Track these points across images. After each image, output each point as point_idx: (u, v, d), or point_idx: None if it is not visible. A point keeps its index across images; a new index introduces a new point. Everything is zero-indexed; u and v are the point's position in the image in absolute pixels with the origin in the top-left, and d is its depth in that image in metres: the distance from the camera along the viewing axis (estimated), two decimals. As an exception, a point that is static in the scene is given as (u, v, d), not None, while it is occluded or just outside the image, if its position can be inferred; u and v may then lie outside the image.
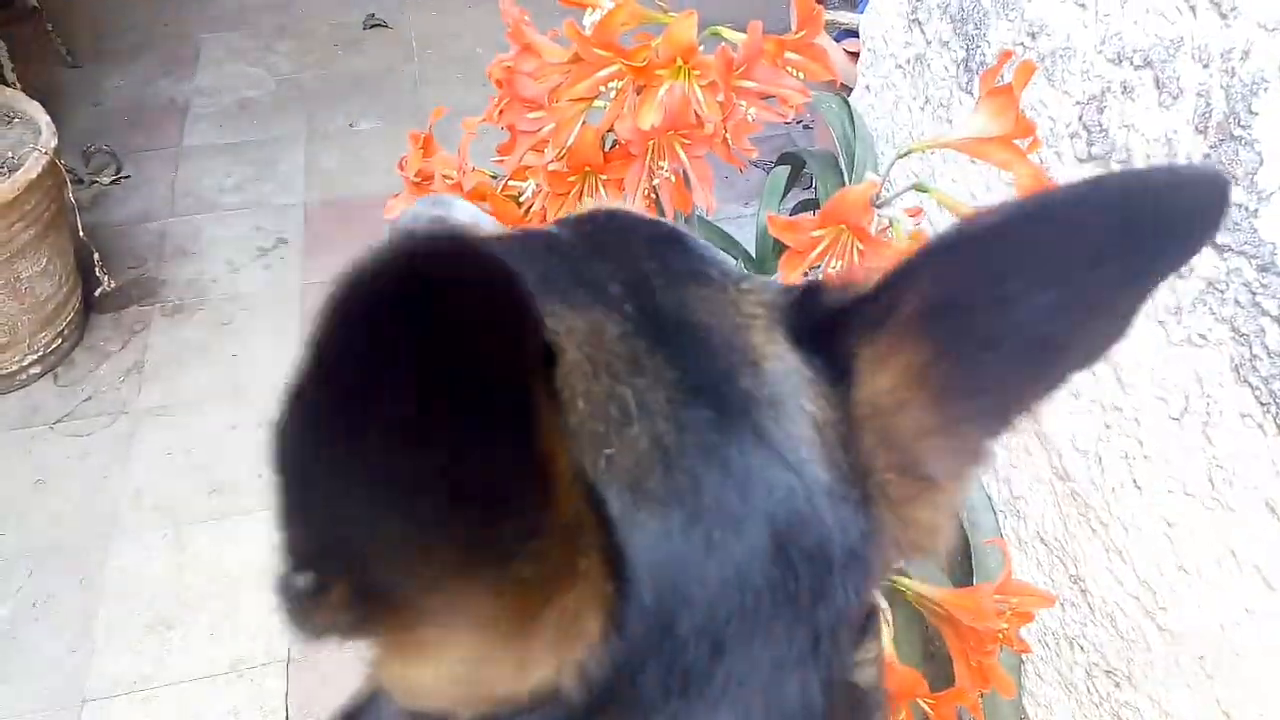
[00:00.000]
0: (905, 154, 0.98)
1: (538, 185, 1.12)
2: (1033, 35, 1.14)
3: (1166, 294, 1.00)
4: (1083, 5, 1.06)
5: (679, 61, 0.99)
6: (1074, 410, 1.14)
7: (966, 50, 1.26)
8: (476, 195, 1.15)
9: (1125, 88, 1.01)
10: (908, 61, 1.43)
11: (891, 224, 0.95)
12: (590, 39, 1.00)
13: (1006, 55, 0.96)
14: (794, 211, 1.81)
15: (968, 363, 0.40)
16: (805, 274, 0.91)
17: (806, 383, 0.40)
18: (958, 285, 0.39)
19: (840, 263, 0.90)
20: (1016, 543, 1.31)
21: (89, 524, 2.03)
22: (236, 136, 2.94)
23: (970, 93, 1.27)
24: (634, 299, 0.41)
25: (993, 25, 1.20)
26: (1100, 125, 1.05)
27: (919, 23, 1.38)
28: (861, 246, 0.86)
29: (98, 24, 3.27)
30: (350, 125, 2.96)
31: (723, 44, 0.98)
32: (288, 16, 3.41)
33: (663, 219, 0.70)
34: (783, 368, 0.40)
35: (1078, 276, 0.39)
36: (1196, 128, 0.95)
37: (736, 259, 1.60)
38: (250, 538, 2.02)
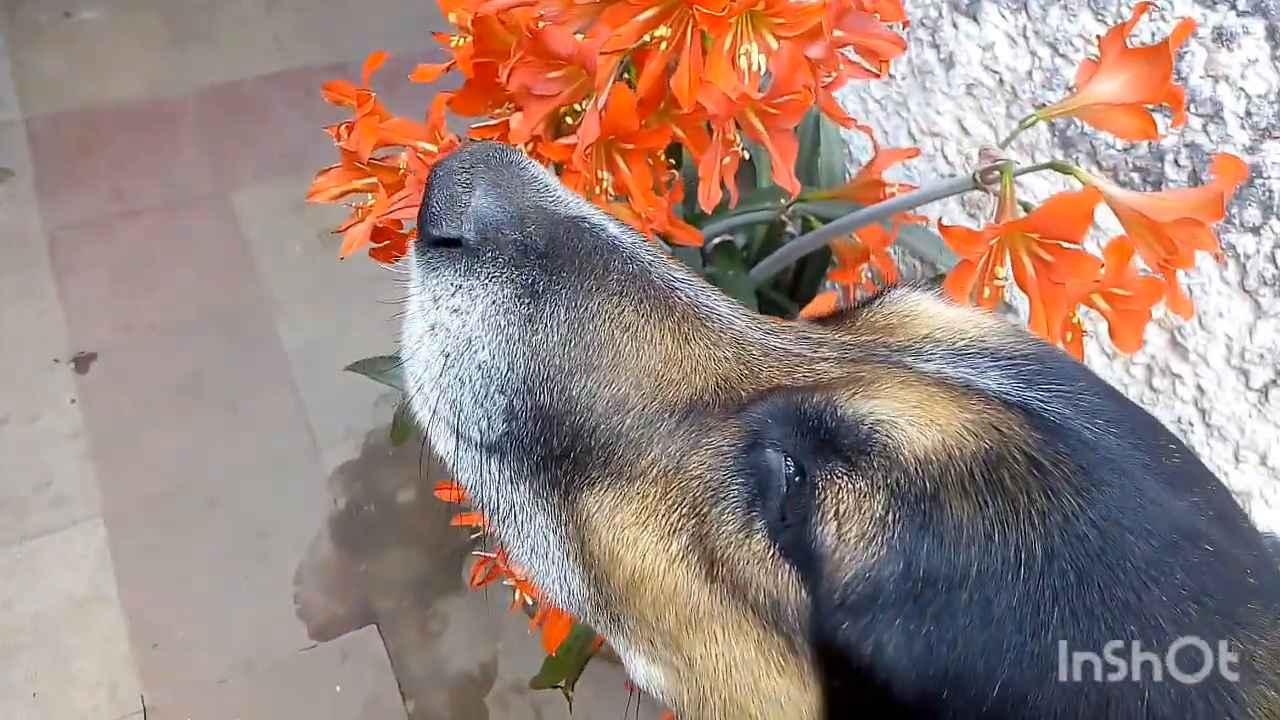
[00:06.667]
0: (1032, 122, 0.82)
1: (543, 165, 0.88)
2: None
3: None
4: None
5: (760, 6, 0.77)
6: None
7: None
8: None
9: None
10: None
11: (1026, 210, 0.81)
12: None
13: (1142, 8, 0.82)
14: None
15: None
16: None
17: None
18: None
19: (1003, 269, 0.75)
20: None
21: None
22: (-96, 31, 2.26)
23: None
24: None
25: None
26: None
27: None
28: (1049, 258, 0.71)
29: None
30: (67, 14, 2.35)
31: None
32: None
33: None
34: None
35: None
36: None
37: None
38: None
